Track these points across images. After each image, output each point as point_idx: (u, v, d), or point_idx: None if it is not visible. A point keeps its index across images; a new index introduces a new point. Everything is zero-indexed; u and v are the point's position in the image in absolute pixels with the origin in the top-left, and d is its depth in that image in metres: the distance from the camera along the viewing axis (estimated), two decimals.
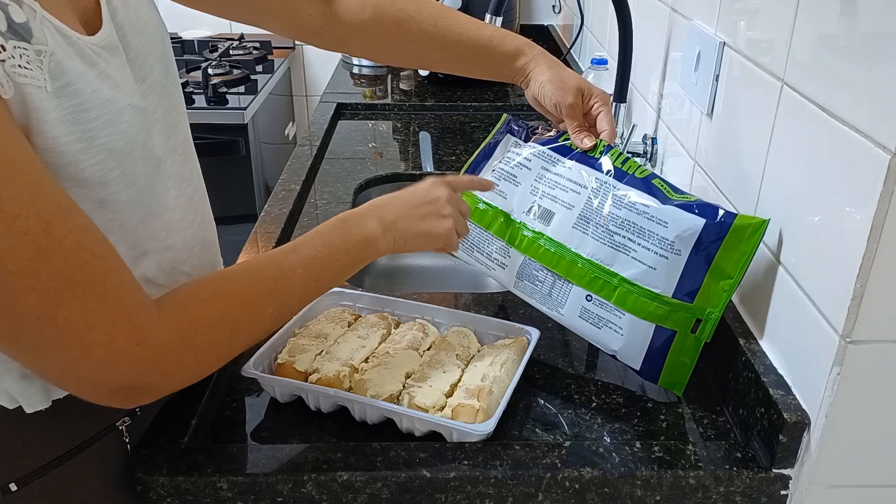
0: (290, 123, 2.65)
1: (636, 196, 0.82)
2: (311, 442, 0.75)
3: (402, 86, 2.02)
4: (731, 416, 0.80)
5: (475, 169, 0.96)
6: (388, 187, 1.46)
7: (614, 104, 1.22)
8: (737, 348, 0.79)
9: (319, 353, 0.82)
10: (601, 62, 1.47)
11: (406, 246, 0.78)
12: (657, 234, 0.79)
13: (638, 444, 0.75)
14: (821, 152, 0.67)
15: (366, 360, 0.82)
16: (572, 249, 0.84)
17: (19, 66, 0.52)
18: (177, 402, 0.77)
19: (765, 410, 0.72)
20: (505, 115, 0.99)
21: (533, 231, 0.88)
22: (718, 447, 0.75)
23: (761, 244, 0.77)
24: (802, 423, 0.69)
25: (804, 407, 0.70)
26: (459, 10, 1.85)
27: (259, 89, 2.20)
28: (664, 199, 0.81)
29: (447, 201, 0.81)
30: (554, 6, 2.47)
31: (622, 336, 0.81)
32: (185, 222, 0.73)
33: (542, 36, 2.43)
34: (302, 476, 0.70)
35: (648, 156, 1.20)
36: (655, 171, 0.90)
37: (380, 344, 0.86)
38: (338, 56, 2.33)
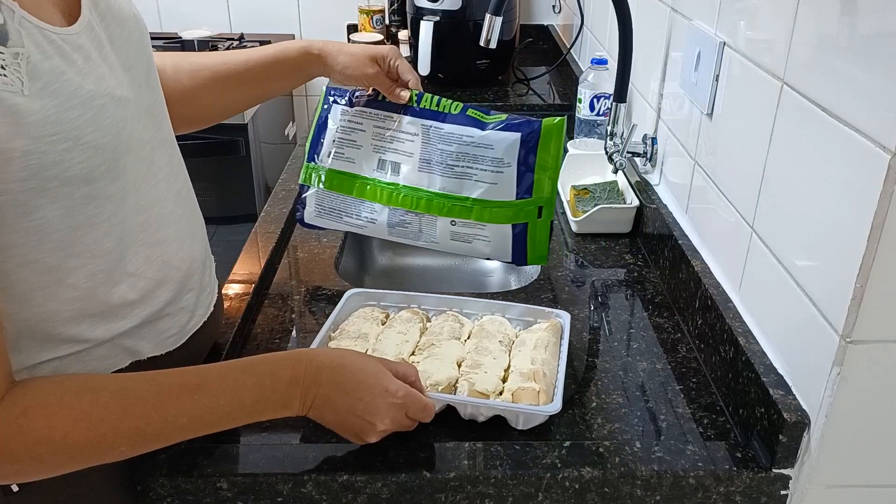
0: (290, 123, 2.65)
1: (459, 130, 0.95)
2: (311, 442, 0.75)
3: None
4: (731, 416, 0.80)
5: (316, 145, 1.02)
6: None
7: (614, 104, 1.22)
8: (737, 348, 0.79)
9: (366, 352, 0.83)
10: (601, 62, 1.47)
11: (320, 420, 0.71)
12: (488, 157, 0.94)
13: (638, 444, 0.75)
14: (821, 152, 0.67)
15: (412, 354, 0.84)
16: (425, 189, 0.96)
17: None
18: None
19: (765, 410, 0.72)
20: (325, 87, 1.03)
21: (387, 183, 0.98)
22: (718, 447, 0.75)
23: (761, 245, 0.78)
24: (802, 423, 0.69)
25: (804, 407, 0.70)
26: (459, 10, 1.83)
27: None
28: (482, 126, 0.95)
29: (389, 409, 0.69)
30: (554, 6, 2.47)
31: (489, 242, 0.97)
32: (175, 215, 0.74)
33: (543, 36, 2.43)
34: (302, 476, 0.70)
35: (648, 156, 1.19)
36: (501, 115, 0.99)
37: (420, 337, 0.87)
38: None
